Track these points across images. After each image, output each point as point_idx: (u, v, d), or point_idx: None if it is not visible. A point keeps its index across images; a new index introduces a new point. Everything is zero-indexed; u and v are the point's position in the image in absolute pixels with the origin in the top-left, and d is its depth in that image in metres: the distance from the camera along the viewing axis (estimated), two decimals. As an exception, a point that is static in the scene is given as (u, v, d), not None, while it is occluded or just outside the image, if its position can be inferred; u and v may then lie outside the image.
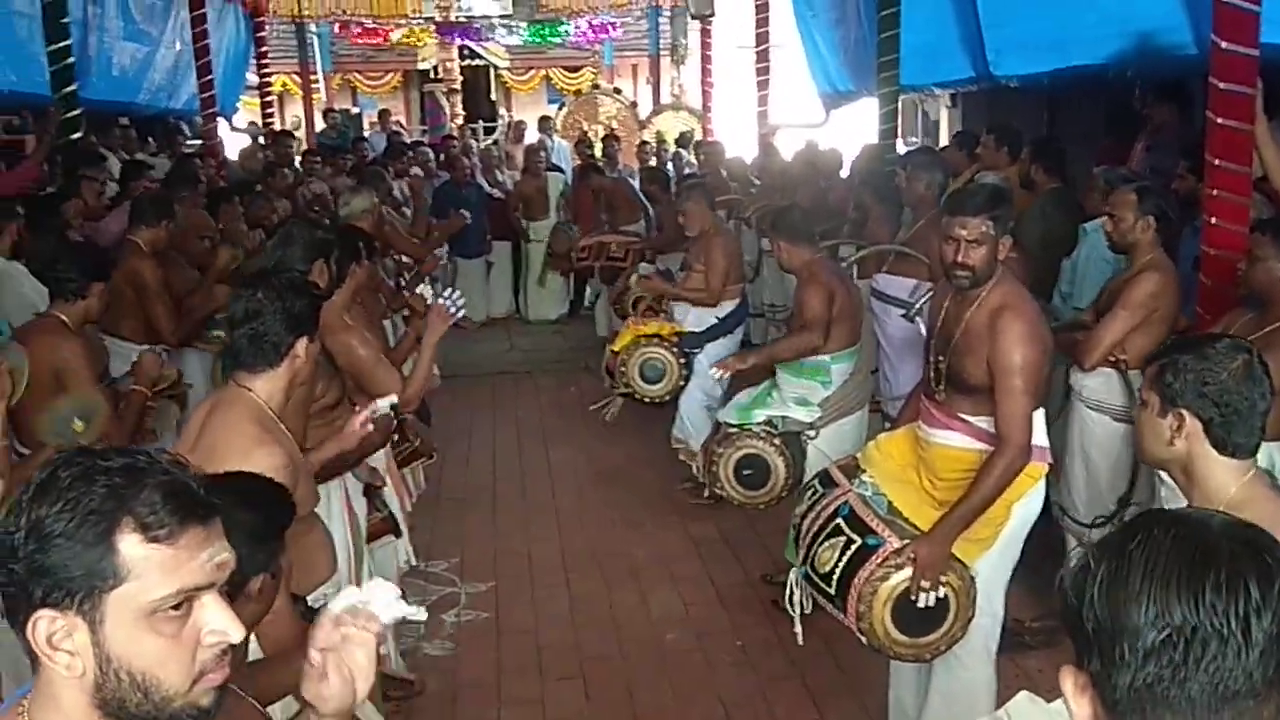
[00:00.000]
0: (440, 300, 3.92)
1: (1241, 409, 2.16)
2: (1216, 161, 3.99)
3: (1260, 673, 1.00)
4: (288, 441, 2.72)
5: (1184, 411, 2.19)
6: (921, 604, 3.24)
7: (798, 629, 3.75)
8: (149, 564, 1.22)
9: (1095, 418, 4.30)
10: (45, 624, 1.21)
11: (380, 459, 4.26)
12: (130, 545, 1.22)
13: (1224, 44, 3.88)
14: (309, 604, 2.67)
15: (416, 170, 10.29)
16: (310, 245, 3.84)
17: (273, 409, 2.72)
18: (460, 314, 3.96)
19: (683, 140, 13.19)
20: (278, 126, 12.67)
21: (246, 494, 2.05)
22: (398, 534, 4.32)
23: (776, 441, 4.78)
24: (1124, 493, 4.22)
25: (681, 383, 6.07)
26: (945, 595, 3.26)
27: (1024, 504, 3.38)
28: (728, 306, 6.32)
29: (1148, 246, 4.16)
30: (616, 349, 6.24)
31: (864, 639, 3.32)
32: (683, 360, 6.07)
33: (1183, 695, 1.01)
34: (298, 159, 10.22)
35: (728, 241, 6.50)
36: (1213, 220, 4.04)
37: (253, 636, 2.30)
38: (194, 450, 2.65)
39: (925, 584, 3.21)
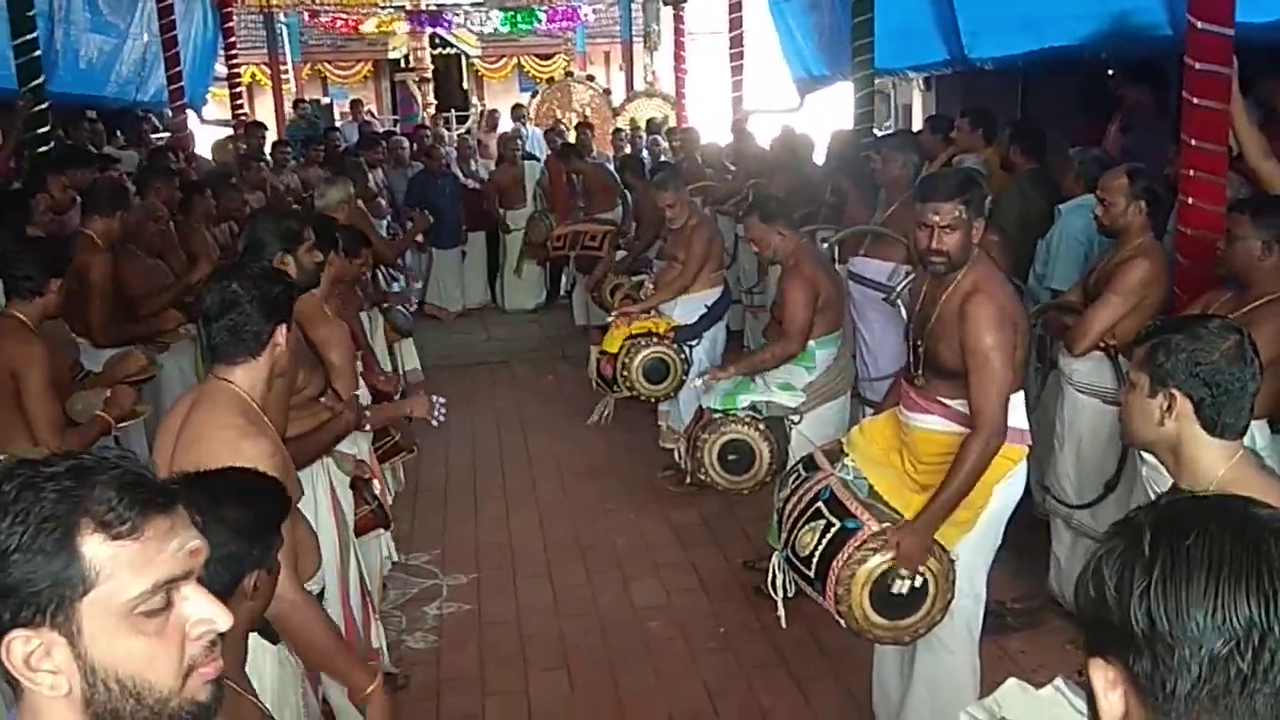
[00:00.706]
0: (435, 399, 4.04)
1: (1232, 390, 2.16)
2: (1193, 142, 3.99)
3: None
4: (272, 432, 2.70)
5: (1175, 391, 2.19)
6: (898, 589, 3.24)
7: (780, 612, 3.74)
8: (117, 563, 1.15)
9: (1085, 401, 4.31)
10: (20, 645, 1.14)
11: (365, 452, 4.23)
12: (93, 547, 1.15)
13: (1200, 24, 3.87)
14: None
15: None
16: (278, 236, 3.81)
17: (255, 400, 2.69)
18: (437, 424, 4.08)
19: (652, 126, 13.13)
20: (248, 118, 12.53)
21: (238, 490, 2.01)
22: (386, 526, 4.29)
23: (761, 426, 4.77)
24: (1111, 476, 4.23)
25: (683, 378, 6.04)
26: (924, 579, 3.26)
27: (1005, 486, 3.37)
28: (714, 294, 6.32)
29: (1138, 230, 4.17)
30: (612, 350, 6.11)
31: (843, 622, 3.32)
32: (683, 356, 6.05)
33: (1247, 707, 0.97)
34: (269, 150, 10.13)
35: (709, 229, 6.49)
36: (1190, 200, 4.05)
37: (254, 637, 2.26)
38: (176, 444, 2.62)
39: (905, 573, 3.21)
